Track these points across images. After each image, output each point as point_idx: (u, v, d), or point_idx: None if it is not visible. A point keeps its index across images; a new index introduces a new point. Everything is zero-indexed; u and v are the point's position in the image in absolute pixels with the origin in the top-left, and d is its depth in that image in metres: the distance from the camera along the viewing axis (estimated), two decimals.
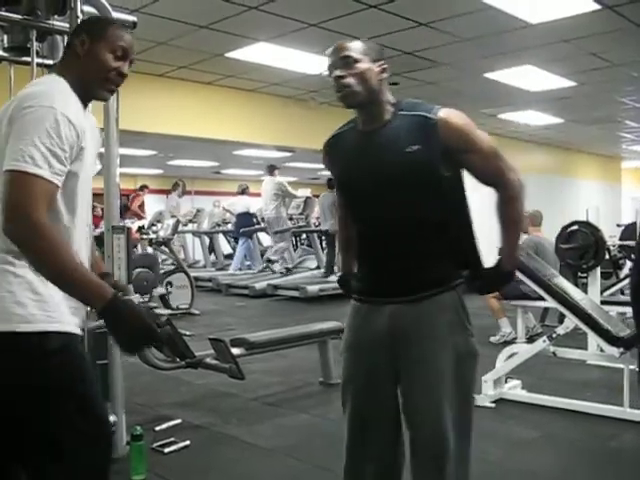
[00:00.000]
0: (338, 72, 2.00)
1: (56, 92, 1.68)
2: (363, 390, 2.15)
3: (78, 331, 1.72)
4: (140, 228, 9.30)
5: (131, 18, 3.31)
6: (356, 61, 1.99)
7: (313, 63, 7.09)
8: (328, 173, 2.52)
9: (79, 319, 1.74)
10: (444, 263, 2.06)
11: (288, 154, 12.23)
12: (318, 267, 10.75)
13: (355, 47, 2.01)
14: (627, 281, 7.80)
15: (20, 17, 3.12)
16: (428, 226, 2.03)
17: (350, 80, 1.99)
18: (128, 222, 9.66)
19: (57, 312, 1.65)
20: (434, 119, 1.96)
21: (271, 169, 10.71)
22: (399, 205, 2.02)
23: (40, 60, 3.31)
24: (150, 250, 9.44)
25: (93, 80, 1.78)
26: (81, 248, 1.77)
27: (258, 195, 11.19)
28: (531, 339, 6.02)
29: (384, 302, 2.07)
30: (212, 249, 13.27)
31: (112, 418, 3.06)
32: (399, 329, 2.04)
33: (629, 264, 8.55)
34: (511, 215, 2.10)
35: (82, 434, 1.66)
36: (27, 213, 1.53)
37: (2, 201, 1.57)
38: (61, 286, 1.61)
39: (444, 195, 2.01)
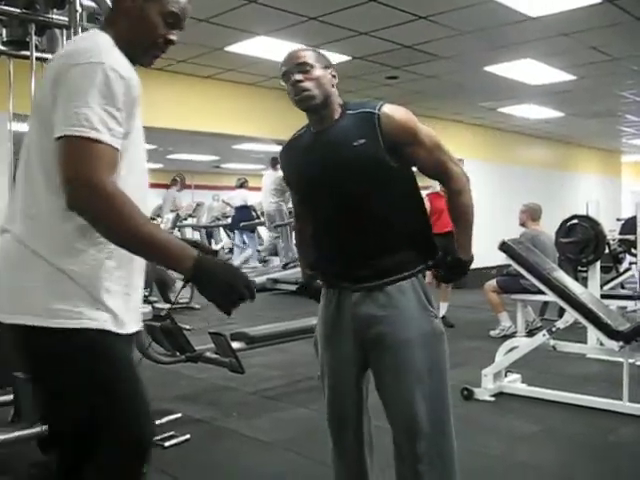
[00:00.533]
0: (297, 77, 2.10)
1: (102, 46, 1.54)
2: (333, 379, 2.27)
3: (110, 327, 1.56)
4: None
5: None
6: (312, 67, 2.10)
7: None
8: None
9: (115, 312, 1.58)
10: (403, 251, 2.12)
11: None
12: None
13: (309, 55, 2.14)
14: (627, 275, 7.82)
15: (19, 11, 3.11)
16: (381, 216, 2.11)
17: (308, 84, 2.10)
18: None
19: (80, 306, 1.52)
20: (377, 113, 2.06)
21: (273, 162, 10.62)
22: (351, 197, 2.10)
23: (39, 54, 3.31)
24: None
25: (139, 43, 1.64)
26: None
27: (258, 189, 11.17)
28: (531, 333, 6.03)
29: (350, 290, 2.14)
30: (210, 243, 13.29)
31: None
32: (361, 317, 2.12)
33: (629, 258, 8.56)
34: (459, 207, 2.19)
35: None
36: (91, 180, 1.40)
37: (61, 172, 1.43)
38: (140, 252, 1.50)
39: (394, 186, 2.10)
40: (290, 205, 10.92)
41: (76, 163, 1.41)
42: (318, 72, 2.10)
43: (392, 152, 2.05)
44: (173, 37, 1.68)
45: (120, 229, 1.43)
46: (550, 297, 4.59)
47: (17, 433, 3.03)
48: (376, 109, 2.06)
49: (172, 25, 1.66)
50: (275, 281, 9.84)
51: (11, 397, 3.26)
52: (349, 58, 7.26)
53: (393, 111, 2.07)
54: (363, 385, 2.23)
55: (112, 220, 1.42)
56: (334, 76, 2.17)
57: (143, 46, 1.66)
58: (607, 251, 6.90)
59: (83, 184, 1.40)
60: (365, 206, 2.09)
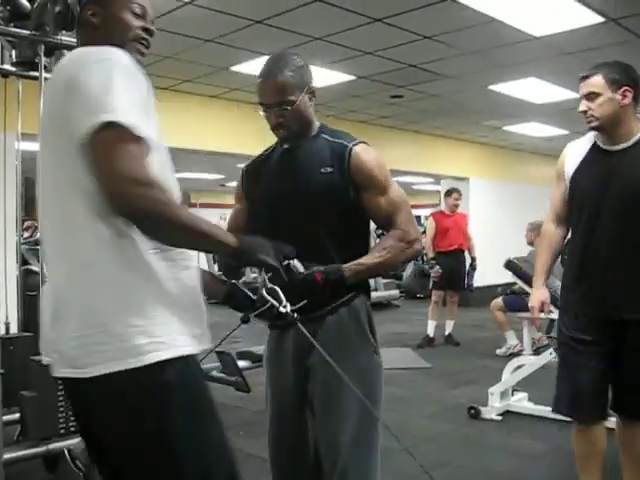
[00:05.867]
0: (276, 119, 2.01)
1: (107, 48, 1.45)
2: (277, 414, 2.17)
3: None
4: None
5: None
6: (292, 103, 1.99)
7: (318, 76, 7.12)
8: None
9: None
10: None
11: None
12: None
13: (289, 84, 1.99)
14: None
15: (29, 32, 3.15)
16: (330, 243, 2.00)
17: (288, 124, 2.01)
18: None
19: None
20: (350, 147, 2.00)
21: None
22: (306, 219, 2.01)
23: (48, 75, 3.34)
24: None
25: (120, 44, 1.53)
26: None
27: None
28: (537, 351, 6.00)
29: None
30: (215, 259, 13.28)
31: None
32: (300, 344, 2.01)
33: None
34: (398, 249, 2.01)
35: None
36: (134, 172, 1.30)
37: (97, 170, 1.32)
38: (193, 244, 1.50)
39: (350, 217, 2.02)
40: None
41: (113, 155, 1.29)
42: (298, 104, 2.00)
43: (354, 188, 1.99)
44: (149, 26, 1.62)
45: (173, 224, 1.38)
46: (556, 315, 4.57)
47: (23, 452, 3.04)
48: (350, 144, 2.01)
49: (143, 16, 1.61)
50: None
51: (17, 416, 3.26)
52: (354, 77, 7.31)
53: (364, 151, 2.02)
54: (306, 408, 2.11)
55: (166, 215, 1.35)
56: (312, 93, 2.07)
57: (126, 45, 1.56)
58: None
59: (127, 179, 1.28)
60: (317, 229, 1.99)
